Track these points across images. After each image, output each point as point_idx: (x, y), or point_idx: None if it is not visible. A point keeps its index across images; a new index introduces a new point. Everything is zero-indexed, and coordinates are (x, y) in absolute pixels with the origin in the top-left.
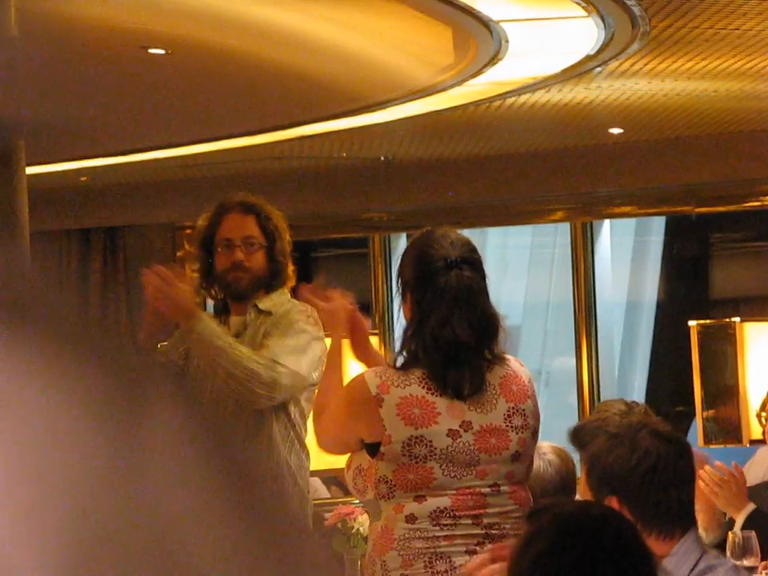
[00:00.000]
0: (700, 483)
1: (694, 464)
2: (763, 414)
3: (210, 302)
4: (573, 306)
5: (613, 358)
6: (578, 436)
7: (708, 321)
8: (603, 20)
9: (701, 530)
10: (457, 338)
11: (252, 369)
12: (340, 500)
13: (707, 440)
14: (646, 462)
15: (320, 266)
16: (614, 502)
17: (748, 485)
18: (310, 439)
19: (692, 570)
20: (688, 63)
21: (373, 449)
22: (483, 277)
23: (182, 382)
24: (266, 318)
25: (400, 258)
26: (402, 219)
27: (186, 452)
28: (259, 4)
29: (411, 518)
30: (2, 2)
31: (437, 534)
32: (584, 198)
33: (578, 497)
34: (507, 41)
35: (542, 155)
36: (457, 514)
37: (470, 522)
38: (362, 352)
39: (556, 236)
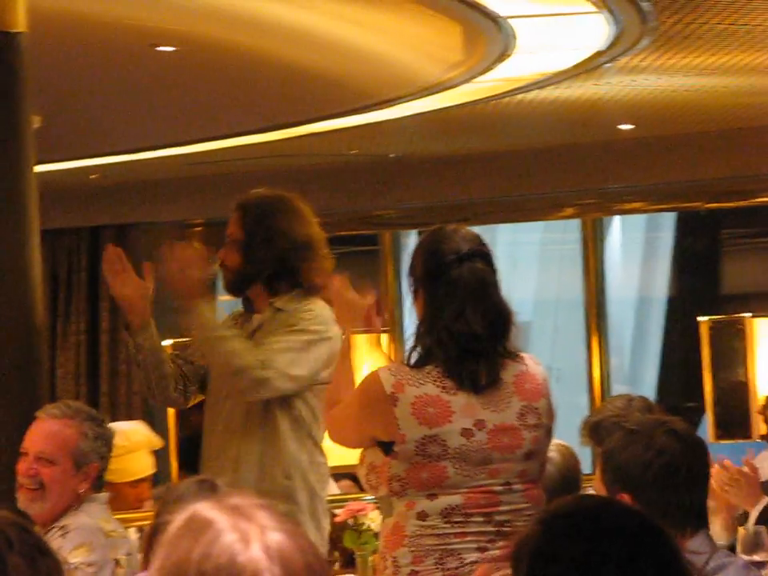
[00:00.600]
0: (712, 482)
1: (708, 464)
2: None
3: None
4: (583, 303)
5: (623, 354)
6: (596, 431)
7: (718, 316)
8: (613, 16)
9: (720, 530)
10: (471, 329)
11: (237, 364)
12: (351, 496)
13: (717, 435)
14: (660, 461)
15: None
16: (625, 499)
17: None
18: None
19: (703, 568)
20: (697, 59)
21: (386, 447)
22: (495, 270)
23: None
24: (279, 316)
25: (410, 257)
26: (412, 216)
27: None
28: (268, 1)
29: (422, 515)
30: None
31: (448, 531)
32: (594, 194)
33: (591, 491)
34: (516, 37)
35: (552, 152)
36: (468, 511)
37: (481, 519)
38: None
39: (566, 232)
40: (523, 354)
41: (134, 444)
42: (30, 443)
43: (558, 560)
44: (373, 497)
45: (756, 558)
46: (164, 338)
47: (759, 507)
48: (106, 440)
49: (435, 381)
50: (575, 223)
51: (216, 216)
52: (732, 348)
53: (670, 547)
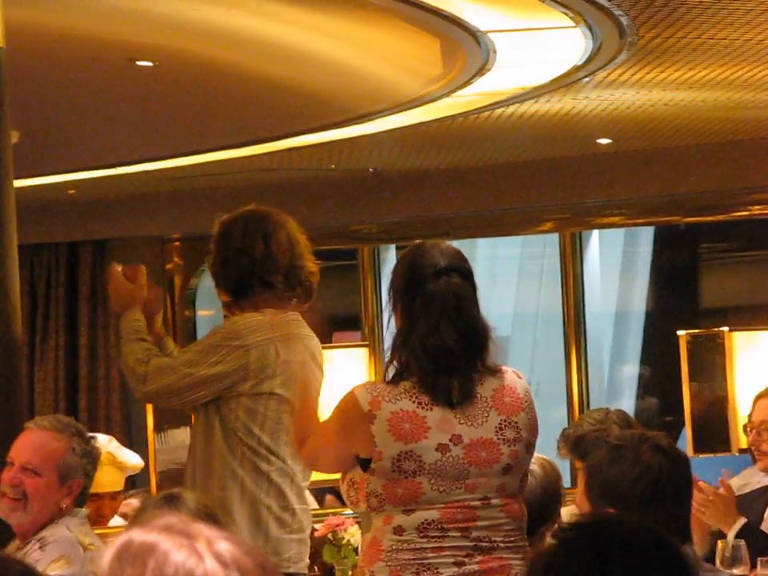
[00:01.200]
0: None
1: (691, 479)
2: (749, 426)
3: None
4: (562, 317)
5: (602, 368)
6: (578, 446)
7: (697, 330)
8: (591, 30)
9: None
10: (445, 344)
11: (129, 365)
12: (331, 511)
13: (696, 449)
14: (648, 477)
15: None
16: None
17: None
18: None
19: None
20: (676, 73)
21: (364, 463)
22: (473, 286)
23: None
24: None
25: (392, 269)
26: (391, 231)
27: None
28: (247, 16)
29: (399, 530)
30: None
31: (424, 545)
32: (573, 208)
33: (573, 507)
34: (495, 51)
35: (531, 166)
36: (445, 526)
37: (458, 534)
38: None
39: (545, 247)
40: (505, 368)
41: None
42: (17, 453)
43: (570, 572)
44: (353, 512)
45: (735, 572)
46: None
47: (736, 527)
48: (92, 458)
49: (411, 396)
50: (554, 237)
51: (194, 231)
52: (711, 362)
53: (681, 563)
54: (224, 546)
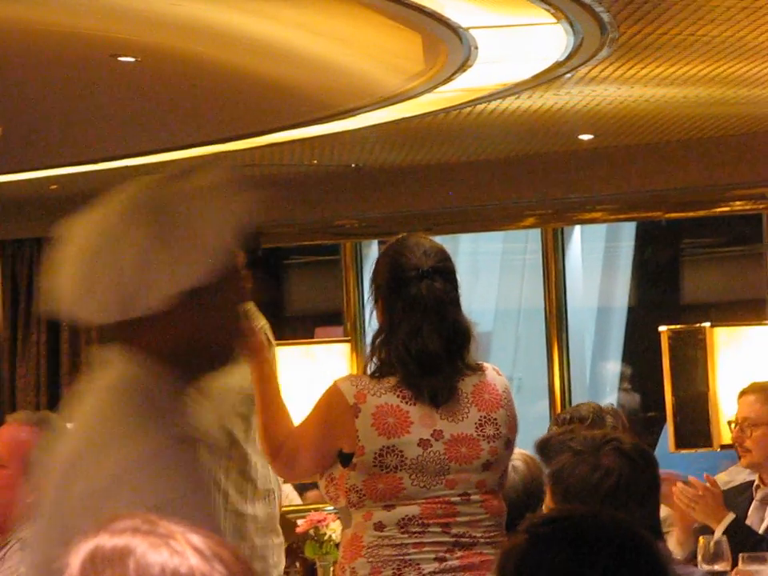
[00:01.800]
0: (676, 501)
1: (658, 476)
2: (733, 423)
3: None
4: (544, 312)
5: (584, 363)
6: (543, 450)
7: (678, 326)
8: (572, 26)
9: (676, 545)
10: (427, 348)
11: None
12: (312, 507)
13: (678, 445)
14: (608, 481)
15: (291, 274)
16: None
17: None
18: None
19: None
20: (657, 69)
21: (345, 459)
22: (456, 287)
23: None
24: None
25: (374, 263)
26: (374, 226)
27: None
28: (229, 12)
29: (379, 526)
30: None
31: (405, 541)
32: (554, 204)
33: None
34: (477, 47)
35: (513, 161)
36: (425, 522)
37: (438, 529)
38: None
39: (527, 242)
40: (485, 365)
41: None
42: None
43: (543, 568)
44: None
45: (716, 567)
46: None
47: (725, 523)
48: None
49: (395, 391)
50: (536, 233)
51: None
52: (692, 357)
53: (656, 557)
54: (198, 539)
